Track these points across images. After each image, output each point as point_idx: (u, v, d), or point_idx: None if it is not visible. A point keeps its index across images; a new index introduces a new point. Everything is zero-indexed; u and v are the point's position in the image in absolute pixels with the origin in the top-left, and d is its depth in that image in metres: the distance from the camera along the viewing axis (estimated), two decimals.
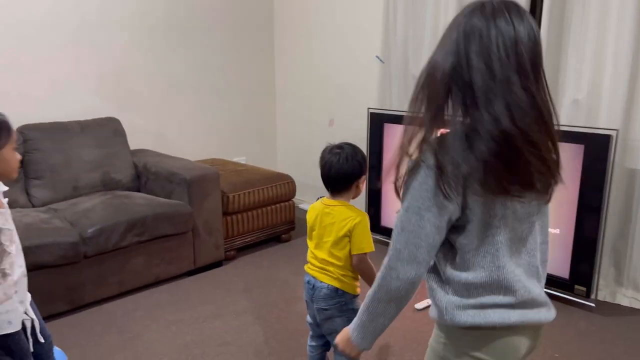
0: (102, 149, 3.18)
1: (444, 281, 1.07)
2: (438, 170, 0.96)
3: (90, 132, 3.18)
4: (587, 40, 2.64)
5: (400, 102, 3.48)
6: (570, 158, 2.53)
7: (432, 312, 1.10)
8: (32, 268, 2.41)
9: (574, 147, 2.52)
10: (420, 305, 2.67)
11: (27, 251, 2.37)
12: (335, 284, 1.78)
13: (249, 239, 3.38)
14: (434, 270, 1.10)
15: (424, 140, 0.99)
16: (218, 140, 4.17)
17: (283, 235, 3.60)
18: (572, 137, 2.52)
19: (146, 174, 3.24)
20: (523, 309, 1.04)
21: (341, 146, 1.79)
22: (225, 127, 4.20)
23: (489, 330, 1.03)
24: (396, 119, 3.25)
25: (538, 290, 1.08)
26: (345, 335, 1.18)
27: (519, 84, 0.94)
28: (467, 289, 1.03)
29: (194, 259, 3.04)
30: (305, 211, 4.20)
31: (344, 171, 1.74)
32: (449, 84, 0.97)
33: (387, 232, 3.42)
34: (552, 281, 2.70)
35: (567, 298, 2.69)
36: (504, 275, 1.02)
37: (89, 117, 3.33)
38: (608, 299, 2.77)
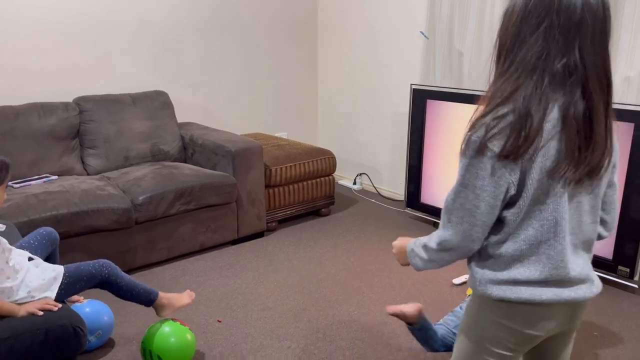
0: (152, 121, 3.31)
1: (481, 253, 1.09)
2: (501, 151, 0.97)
3: (140, 104, 3.30)
4: None
5: (443, 78, 3.46)
6: (619, 136, 2.46)
7: (470, 280, 1.14)
8: (89, 231, 2.57)
9: (624, 125, 2.46)
10: (458, 280, 2.70)
11: (84, 215, 2.54)
12: None
13: (289, 212, 3.46)
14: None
15: (484, 115, 1.01)
16: (261, 116, 4.24)
17: (323, 210, 3.66)
18: (622, 115, 2.46)
19: (192, 146, 3.36)
20: (558, 287, 1.06)
21: None
22: (268, 103, 4.27)
23: (520, 304, 1.06)
24: (439, 95, 3.24)
25: (579, 268, 1.08)
26: (403, 247, 1.22)
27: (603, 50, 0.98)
28: (503, 263, 1.05)
29: (237, 229, 3.15)
30: (344, 187, 4.28)
31: None
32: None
33: (427, 209, 3.44)
34: (594, 261, 2.67)
35: (610, 279, 2.66)
36: (543, 251, 1.04)
37: (139, 90, 3.47)
38: None
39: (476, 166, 0.99)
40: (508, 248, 1.05)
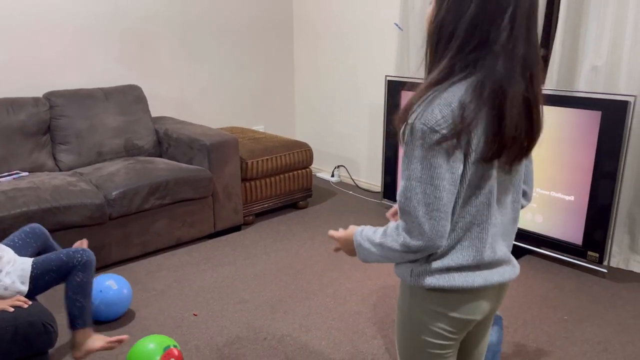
0: (125, 115, 3.27)
1: None
2: (450, 134, 0.93)
3: (113, 99, 3.26)
4: (607, 6, 2.60)
5: (418, 69, 3.48)
6: (587, 124, 2.52)
7: (398, 271, 1.10)
8: (62, 227, 2.54)
9: (591, 113, 2.51)
10: None
11: (56, 211, 2.51)
12: None
13: (266, 205, 3.46)
14: None
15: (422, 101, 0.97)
16: (237, 109, 4.23)
17: (300, 202, 3.67)
18: (590, 103, 2.51)
19: (167, 140, 3.33)
20: (488, 270, 1.05)
21: None
22: (244, 96, 4.25)
23: (453, 292, 1.05)
24: (413, 87, 3.25)
25: (504, 249, 1.08)
26: (349, 240, 1.14)
27: (527, 36, 0.95)
28: (438, 252, 1.03)
29: (214, 223, 3.14)
30: (322, 180, 4.29)
31: None
32: (451, 35, 0.96)
33: None
34: (564, 247, 2.73)
35: (579, 264, 2.73)
36: (476, 235, 1.02)
37: (112, 84, 3.42)
38: (621, 266, 2.80)
39: (429, 154, 0.94)
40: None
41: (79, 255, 1.85)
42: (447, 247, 1.03)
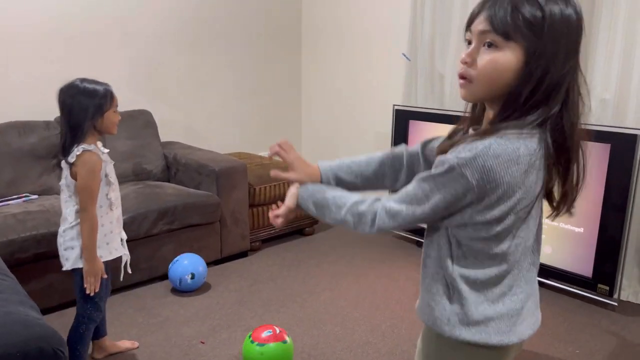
0: (135, 140, 3.29)
1: (449, 286, 1.03)
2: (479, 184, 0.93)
3: (123, 123, 3.21)
4: (616, 39, 2.64)
5: (425, 99, 3.51)
6: (596, 157, 2.53)
7: (428, 317, 1.07)
8: None
9: (601, 146, 2.53)
10: None
11: None
12: None
13: (273, 232, 3.45)
14: (439, 272, 1.05)
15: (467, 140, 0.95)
16: (244, 135, 4.25)
17: (307, 229, 3.66)
18: (599, 136, 2.52)
19: (176, 165, 3.34)
20: (525, 321, 1.04)
21: None
22: (251, 122, 4.28)
23: (485, 347, 1.02)
24: (422, 116, 3.29)
25: (537, 292, 1.09)
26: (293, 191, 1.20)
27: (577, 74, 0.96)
28: (478, 293, 1.01)
29: (220, 249, 3.13)
30: None
31: None
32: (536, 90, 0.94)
33: (410, 229, 3.45)
34: (574, 279, 2.71)
35: (589, 297, 2.70)
36: (527, 279, 1.03)
37: (122, 109, 3.44)
38: (631, 299, 2.77)
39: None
40: (491, 273, 1.01)
41: (90, 311, 1.99)
42: (499, 293, 1.01)
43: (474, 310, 1.01)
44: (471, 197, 0.94)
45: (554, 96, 0.94)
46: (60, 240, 1.95)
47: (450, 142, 1.00)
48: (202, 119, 3.98)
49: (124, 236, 2.09)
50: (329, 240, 3.59)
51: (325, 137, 4.44)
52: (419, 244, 3.43)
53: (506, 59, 0.93)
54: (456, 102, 3.33)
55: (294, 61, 4.46)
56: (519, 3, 0.92)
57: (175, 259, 2.79)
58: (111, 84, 2.03)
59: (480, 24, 0.96)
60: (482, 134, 0.94)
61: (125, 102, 3.50)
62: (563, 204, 1.01)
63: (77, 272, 1.94)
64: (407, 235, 3.53)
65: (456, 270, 1.02)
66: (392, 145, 3.46)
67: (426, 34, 3.44)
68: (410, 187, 1.02)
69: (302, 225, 3.62)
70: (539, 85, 0.93)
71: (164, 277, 2.94)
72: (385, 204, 1.04)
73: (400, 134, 3.40)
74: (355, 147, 4.18)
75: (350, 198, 1.11)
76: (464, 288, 1.01)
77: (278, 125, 4.47)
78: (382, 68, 3.87)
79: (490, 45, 0.94)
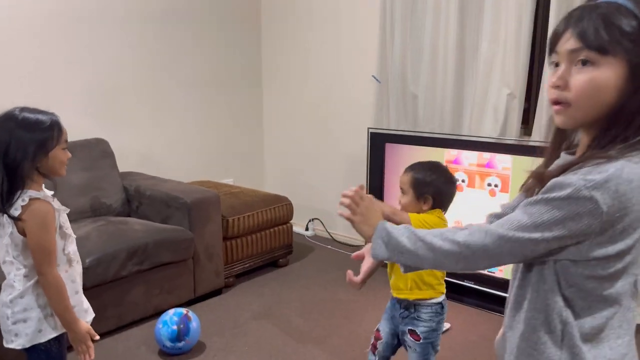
0: (91, 171, 2.99)
1: (557, 331, 0.92)
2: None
3: (77, 153, 2.95)
4: None
5: (398, 121, 3.45)
6: None
7: None
8: None
9: None
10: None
11: None
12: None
13: (247, 265, 3.22)
14: (538, 316, 0.94)
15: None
16: (206, 162, 4.01)
17: (280, 260, 3.46)
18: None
19: (139, 198, 3.06)
20: None
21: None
22: (212, 149, 4.05)
23: None
24: (398, 139, 3.21)
25: None
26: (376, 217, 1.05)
27: None
28: (590, 341, 0.90)
29: (194, 288, 2.86)
30: (298, 234, 4.10)
31: None
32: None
33: None
34: None
35: None
36: (624, 313, 0.92)
37: (76, 138, 3.12)
38: None
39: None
40: (604, 315, 0.91)
41: None
42: (608, 336, 0.90)
43: (590, 358, 0.89)
44: (595, 227, 0.82)
45: None
46: (5, 312, 1.57)
47: (556, 169, 0.90)
48: (161, 147, 3.71)
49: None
50: (306, 271, 3.41)
51: (291, 162, 4.28)
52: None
53: (605, 76, 0.85)
54: (430, 124, 3.29)
55: (254, 84, 4.29)
56: (610, 14, 0.84)
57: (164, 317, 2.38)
58: (63, 111, 1.70)
59: (567, 43, 0.88)
60: (608, 157, 0.83)
61: (79, 130, 3.20)
62: None
63: (34, 351, 1.58)
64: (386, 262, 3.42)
65: (570, 312, 0.90)
66: (367, 169, 3.36)
67: (396, 55, 3.38)
68: (515, 215, 0.89)
69: (276, 256, 3.41)
70: None
71: (134, 323, 2.64)
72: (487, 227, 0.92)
73: (376, 158, 3.29)
74: (325, 173, 4.04)
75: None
76: (576, 334, 0.90)
77: (240, 151, 4.27)
78: (352, 91, 3.78)
79: (585, 62, 0.86)
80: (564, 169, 0.88)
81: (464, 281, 2.92)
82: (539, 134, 2.88)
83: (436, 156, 2.98)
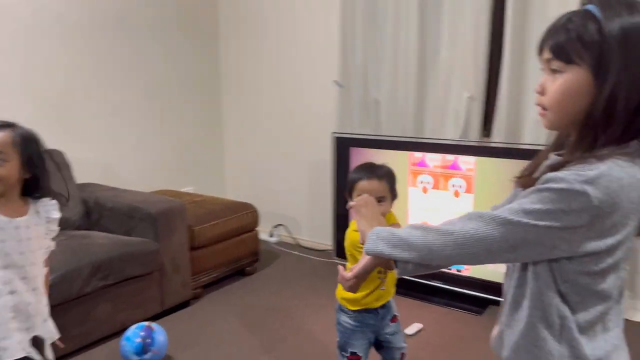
0: None
1: (555, 325, 0.95)
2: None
3: None
4: None
5: (361, 126, 3.48)
6: None
7: None
8: None
9: None
10: (411, 330, 2.62)
11: None
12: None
13: (215, 275, 3.16)
14: (536, 313, 0.97)
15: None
16: (165, 171, 3.92)
17: (247, 268, 3.41)
18: (535, 155, 2.63)
19: (99, 210, 2.94)
20: (624, 353, 1.00)
21: None
22: (172, 157, 3.96)
23: None
24: (362, 143, 3.23)
25: None
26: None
27: None
28: (586, 333, 0.94)
29: (161, 300, 2.78)
30: (263, 241, 4.06)
31: None
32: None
33: None
34: None
35: None
36: (619, 310, 0.98)
37: None
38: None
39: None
40: (598, 309, 0.95)
41: None
42: (603, 329, 0.94)
43: (588, 351, 0.93)
44: (584, 220, 0.86)
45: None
46: None
47: (544, 169, 0.95)
48: (120, 157, 3.59)
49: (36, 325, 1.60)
50: (274, 279, 3.38)
51: (251, 167, 4.24)
52: None
53: (571, 82, 0.92)
54: (393, 128, 3.34)
55: (213, 91, 4.23)
56: (576, 28, 0.91)
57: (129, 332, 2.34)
58: (16, 122, 1.62)
59: (544, 53, 0.96)
60: (598, 157, 0.88)
61: None
62: None
63: None
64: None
65: (566, 307, 0.94)
66: (333, 174, 3.37)
67: (358, 60, 3.42)
68: (510, 205, 0.93)
69: (243, 264, 3.37)
70: (615, 103, 0.88)
71: (100, 341, 2.53)
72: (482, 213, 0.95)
73: (341, 162, 3.31)
74: (289, 178, 4.03)
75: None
76: (573, 327, 0.93)
77: (199, 159, 4.19)
78: (315, 97, 3.78)
79: (556, 71, 0.93)
80: (554, 169, 0.91)
81: (432, 281, 2.97)
82: (499, 136, 2.98)
83: (401, 159, 3.04)
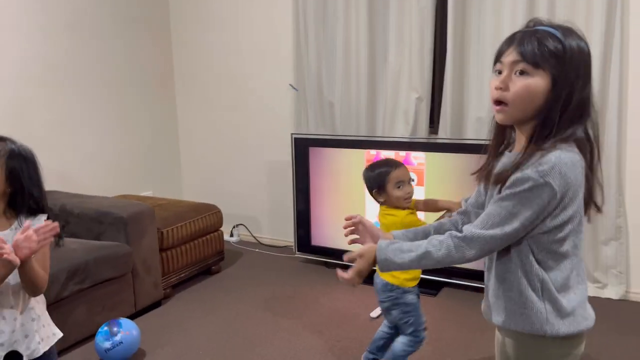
0: None
1: (539, 288, 1.15)
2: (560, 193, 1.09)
3: None
4: (484, 65, 3.10)
5: (317, 126, 3.67)
6: (476, 168, 2.92)
7: (524, 324, 1.17)
8: None
9: (480, 157, 2.92)
10: (375, 313, 2.84)
11: None
12: (387, 279, 2.00)
13: (183, 275, 3.26)
14: (522, 281, 1.16)
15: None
16: (123, 176, 3.94)
17: (213, 267, 3.53)
18: (478, 149, 2.89)
19: (65, 216, 2.97)
20: (589, 304, 1.21)
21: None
22: (129, 162, 3.99)
23: (576, 337, 1.17)
24: (320, 143, 3.43)
25: None
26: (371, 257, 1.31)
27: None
28: (561, 290, 1.15)
29: (134, 302, 2.86)
30: (225, 241, 4.16)
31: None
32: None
33: (318, 251, 3.56)
34: (478, 275, 3.06)
35: None
36: (582, 267, 1.20)
37: None
38: None
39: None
40: (568, 267, 1.16)
41: None
42: (574, 283, 1.16)
43: (565, 304, 1.15)
44: (553, 204, 1.09)
45: (583, 114, 1.14)
46: None
47: (510, 168, 1.15)
48: (78, 163, 3.59)
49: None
50: (240, 276, 3.51)
51: (208, 169, 4.33)
52: (328, 264, 3.54)
53: (537, 84, 1.12)
54: (347, 129, 3.55)
55: (167, 95, 4.29)
56: (543, 38, 1.12)
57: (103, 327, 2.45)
58: (11, 138, 1.65)
59: (510, 56, 1.14)
60: (544, 151, 1.10)
61: None
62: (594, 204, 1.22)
63: None
64: (315, 258, 3.62)
65: (543, 271, 1.15)
66: (293, 173, 3.54)
67: (312, 66, 3.61)
68: (492, 210, 1.13)
69: (209, 264, 3.48)
70: (567, 105, 1.12)
71: (76, 344, 2.58)
72: (465, 233, 1.15)
73: (301, 162, 3.49)
74: (247, 179, 4.15)
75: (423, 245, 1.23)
76: (552, 287, 1.15)
77: (156, 162, 4.24)
78: (271, 98, 3.92)
79: (522, 72, 1.12)
80: (517, 166, 1.13)
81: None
82: (444, 132, 3.26)
83: (357, 157, 3.26)
